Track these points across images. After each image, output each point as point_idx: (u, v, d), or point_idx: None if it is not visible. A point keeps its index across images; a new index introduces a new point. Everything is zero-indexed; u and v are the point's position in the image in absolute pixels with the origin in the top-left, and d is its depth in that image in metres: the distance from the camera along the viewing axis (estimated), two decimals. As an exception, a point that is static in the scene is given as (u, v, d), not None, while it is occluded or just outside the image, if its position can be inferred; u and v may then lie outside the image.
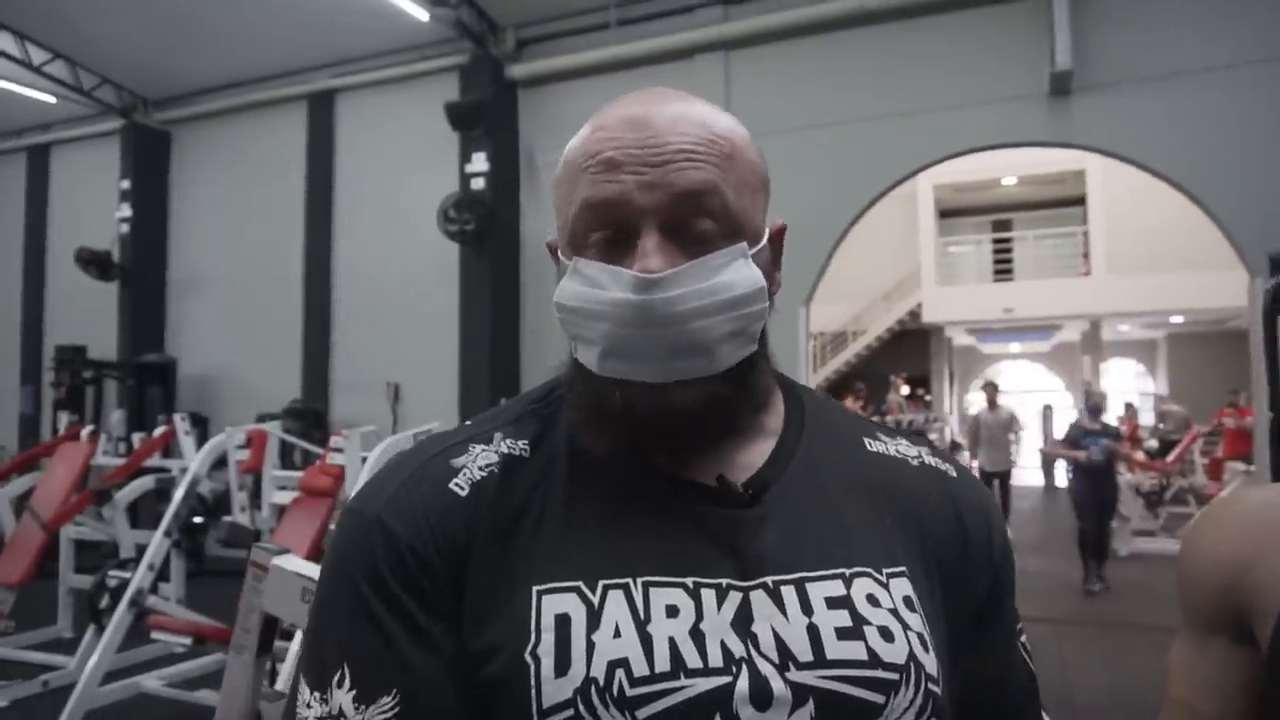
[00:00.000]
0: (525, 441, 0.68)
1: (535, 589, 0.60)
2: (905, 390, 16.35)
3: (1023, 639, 0.75)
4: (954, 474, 0.74)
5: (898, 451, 0.73)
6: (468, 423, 0.72)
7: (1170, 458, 9.95)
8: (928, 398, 16.27)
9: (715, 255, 0.62)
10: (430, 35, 8.36)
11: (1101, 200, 14.55)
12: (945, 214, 16.49)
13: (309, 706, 0.60)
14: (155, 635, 4.08)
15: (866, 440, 0.73)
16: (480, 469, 0.65)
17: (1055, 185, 15.77)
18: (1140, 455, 11.54)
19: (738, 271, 0.62)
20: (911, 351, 16.07)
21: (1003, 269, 16.19)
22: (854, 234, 7.23)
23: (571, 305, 0.64)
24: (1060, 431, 13.72)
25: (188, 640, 4.01)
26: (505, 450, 0.67)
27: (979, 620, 0.70)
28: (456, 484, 0.64)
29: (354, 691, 0.59)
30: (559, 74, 8.12)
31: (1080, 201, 15.26)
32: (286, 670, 2.94)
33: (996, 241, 16.69)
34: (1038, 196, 16.66)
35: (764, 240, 0.67)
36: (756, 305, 0.63)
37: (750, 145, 0.67)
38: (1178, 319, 15.23)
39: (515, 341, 8.32)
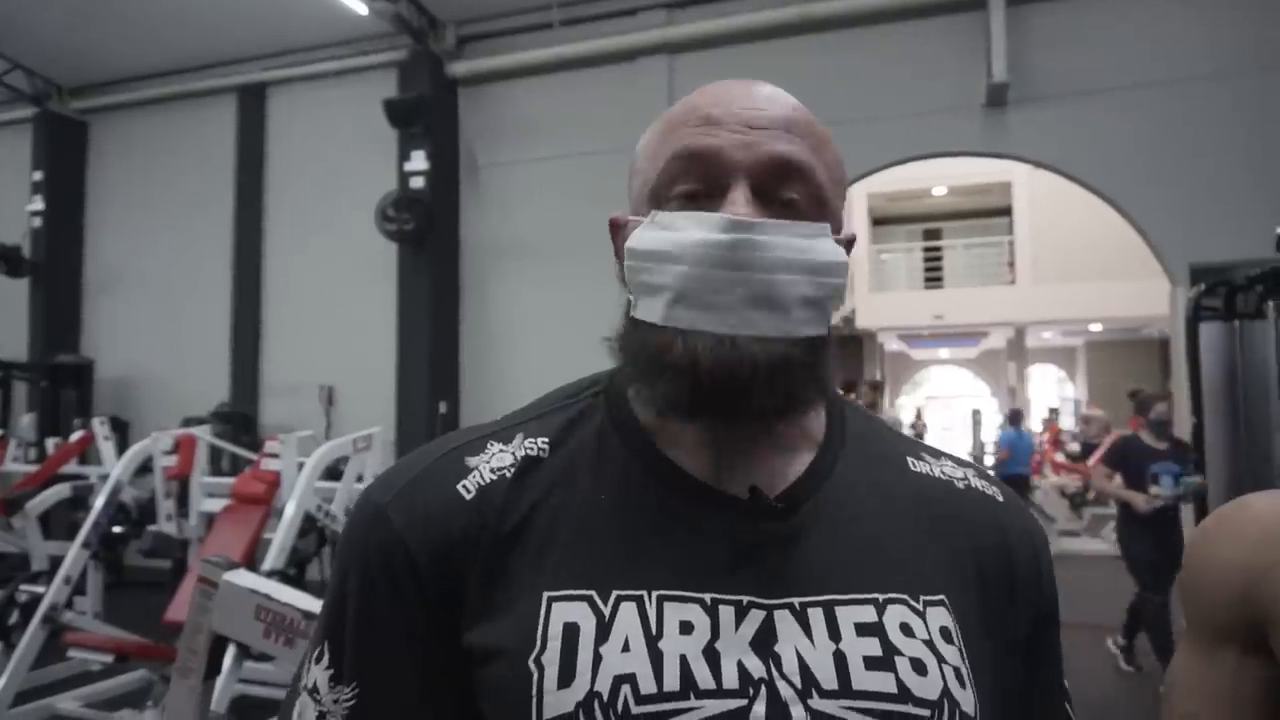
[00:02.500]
0: (546, 440, 0.65)
1: (546, 595, 0.57)
2: (840, 395, 16.67)
3: (1064, 682, 0.72)
4: (1001, 499, 0.71)
5: (943, 473, 0.70)
6: (499, 418, 0.69)
7: (1092, 460, 10.32)
8: (860, 403, 16.59)
9: (805, 224, 0.60)
10: (368, 29, 8.14)
11: (1026, 211, 15.07)
12: (878, 221, 16.85)
13: (308, 671, 0.63)
14: (71, 653, 3.91)
15: (910, 460, 0.70)
16: (493, 471, 0.63)
17: (983, 195, 16.28)
18: (1062, 458, 11.96)
19: (824, 243, 0.60)
20: (845, 357, 16.37)
21: (933, 276, 16.62)
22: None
23: (646, 249, 0.60)
24: (992, 436, 13.90)
25: (107, 657, 3.84)
26: (524, 451, 0.64)
27: (1024, 657, 0.67)
28: (464, 485, 0.62)
29: (330, 671, 0.61)
30: (501, 73, 7.99)
31: (1006, 212, 15.78)
32: (219, 689, 2.79)
33: (927, 249, 17.12)
34: (966, 206, 17.18)
35: (841, 236, 0.64)
36: (837, 278, 0.61)
37: (835, 143, 0.68)
38: (1096, 327, 15.86)
39: (454, 344, 8.15)
